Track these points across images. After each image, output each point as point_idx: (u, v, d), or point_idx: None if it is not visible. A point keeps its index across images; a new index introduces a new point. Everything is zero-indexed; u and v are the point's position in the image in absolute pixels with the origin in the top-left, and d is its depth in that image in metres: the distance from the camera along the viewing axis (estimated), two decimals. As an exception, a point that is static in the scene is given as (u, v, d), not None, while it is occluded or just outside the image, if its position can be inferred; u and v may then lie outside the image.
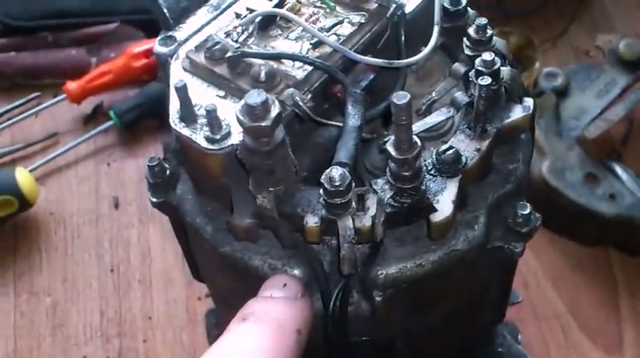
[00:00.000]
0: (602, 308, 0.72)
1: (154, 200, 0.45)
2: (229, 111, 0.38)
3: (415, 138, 0.35)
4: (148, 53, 0.84)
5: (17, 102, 0.86)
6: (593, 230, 0.72)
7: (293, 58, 0.39)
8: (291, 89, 0.38)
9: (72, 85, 0.83)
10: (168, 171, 0.45)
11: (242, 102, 0.34)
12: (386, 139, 0.40)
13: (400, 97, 0.33)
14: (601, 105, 0.76)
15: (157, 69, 0.86)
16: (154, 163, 0.44)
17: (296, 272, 0.39)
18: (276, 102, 0.34)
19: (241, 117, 0.34)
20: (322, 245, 0.40)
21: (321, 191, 0.36)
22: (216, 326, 0.60)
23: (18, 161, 0.84)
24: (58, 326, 0.74)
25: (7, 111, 0.86)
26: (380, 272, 0.39)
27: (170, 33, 0.44)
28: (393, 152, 0.35)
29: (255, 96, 0.33)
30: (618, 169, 0.74)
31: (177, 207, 0.44)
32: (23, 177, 0.76)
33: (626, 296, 0.73)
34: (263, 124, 0.34)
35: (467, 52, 0.42)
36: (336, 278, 0.40)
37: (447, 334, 0.46)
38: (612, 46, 0.78)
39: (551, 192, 0.71)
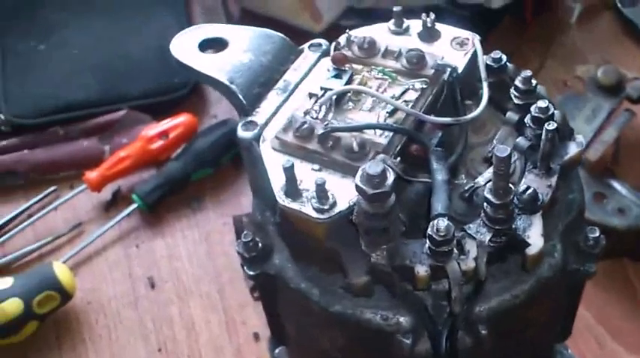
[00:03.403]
0: (628, 315, 0.77)
1: (251, 273, 0.48)
2: (329, 182, 0.42)
3: (510, 184, 0.40)
4: (162, 135, 0.88)
5: (35, 199, 0.88)
6: (608, 243, 0.78)
7: (381, 127, 0.44)
8: (382, 154, 0.43)
9: (92, 175, 0.85)
10: (260, 245, 0.48)
11: (360, 173, 0.38)
12: (467, 188, 0.45)
13: (502, 151, 0.38)
14: (592, 129, 0.83)
15: (172, 149, 0.90)
16: (248, 239, 0.48)
17: (406, 318, 0.43)
18: (391, 170, 0.38)
19: (362, 186, 0.38)
20: (424, 291, 0.44)
21: (428, 241, 0.41)
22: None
23: (46, 256, 0.85)
24: (115, 414, 0.75)
25: (26, 209, 0.87)
26: (483, 307, 0.43)
27: (249, 118, 0.48)
28: (491, 198, 0.40)
29: (375, 167, 0.38)
30: (617, 185, 0.81)
31: (275, 276, 0.47)
32: (62, 270, 0.77)
33: (647, 300, 0.79)
34: (383, 191, 0.38)
35: (516, 101, 0.48)
36: (440, 320, 0.44)
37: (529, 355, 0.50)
38: (591, 75, 0.86)
39: (566, 215, 0.77)
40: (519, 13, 0.95)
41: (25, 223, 0.86)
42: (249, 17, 0.98)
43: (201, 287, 0.82)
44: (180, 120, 0.88)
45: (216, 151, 0.87)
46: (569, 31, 0.95)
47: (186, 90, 0.91)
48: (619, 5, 0.98)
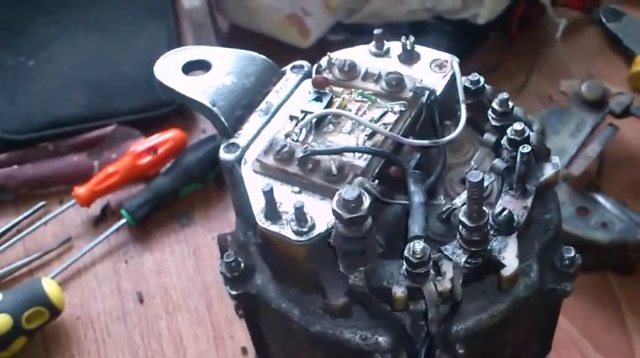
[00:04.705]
0: (612, 328, 0.78)
1: (233, 292, 0.49)
2: (308, 205, 0.43)
3: (484, 208, 0.41)
4: (151, 150, 0.88)
5: (25, 214, 0.88)
6: (592, 257, 0.79)
7: (360, 150, 0.44)
8: (360, 178, 0.44)
9: (81, 190, 0.86)
10: (242, 265, 0.49)
11: (337, 197, 0.39)
12: (444, 209, 0.46)
13: (475, 176, 0.39)
14: (576, 143, 0.84)
15: (161, 164, 0.90)
16: (231, 259, 0.48)
17: (385, 338, 0.44)
18: (367, 194, 0.39)
19: (339, 211, 0.39)
20: (402, 311, 0.45)
21: (405, 263, 0.41)
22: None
23: (35, 271, 0.85)
24: None
25: (16, 224, 0.88)
26: (460, 327, 0.44)
27: (231, 140, 0.49)
28: (466, 221, 0.41)
29: (351, 192, 0.38)
30: (601, 199, 0.82)
31: (257, 295, 0.48)
32: (50, 286, 0.78)
33: (630, 312, 0.79)
34: (359, 215, 0.39)
35: (493, 122, 0.49)
36: (418, 340, 0.45)
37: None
38: (575, 90, 0.87)
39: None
40: (505, 28, 0.96)
41: (15, 238, 0.86)
42: (238, 33, 0.99)
43: (190, 301, 0.83)
44: (169, 136, 0.89)
45: (204, 166, 0.87)
46: (554, 46, 0.96)
47: (175, 105, 0.92)
48: (603, 20, 0.99)
